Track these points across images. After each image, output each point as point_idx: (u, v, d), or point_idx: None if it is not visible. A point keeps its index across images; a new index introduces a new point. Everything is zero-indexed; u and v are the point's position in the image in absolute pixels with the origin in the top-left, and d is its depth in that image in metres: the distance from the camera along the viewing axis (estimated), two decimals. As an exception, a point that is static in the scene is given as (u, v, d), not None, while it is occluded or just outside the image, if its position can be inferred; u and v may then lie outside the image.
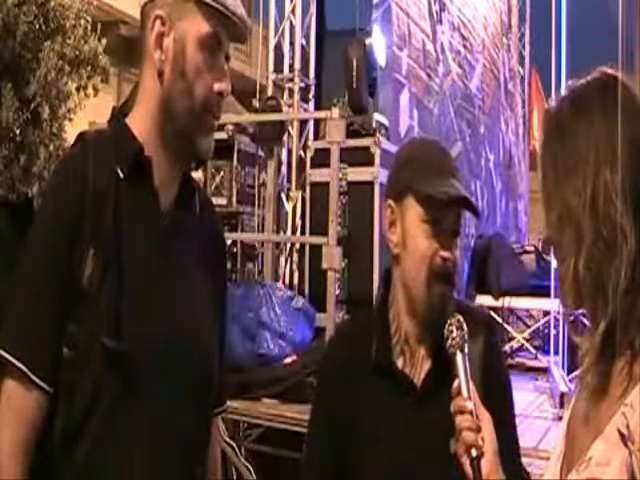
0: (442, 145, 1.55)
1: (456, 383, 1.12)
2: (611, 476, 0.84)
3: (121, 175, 1.27)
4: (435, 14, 6.52)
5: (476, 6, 7.94)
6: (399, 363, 1.44)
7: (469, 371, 1.13)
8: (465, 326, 1.19)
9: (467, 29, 7.51)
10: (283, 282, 4.79)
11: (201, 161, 1.42)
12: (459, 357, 1.15)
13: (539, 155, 1.00)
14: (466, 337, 1.18)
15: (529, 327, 6.89)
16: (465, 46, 7.44)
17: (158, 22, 1.28)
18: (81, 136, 1.35)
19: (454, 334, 1.18)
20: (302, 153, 5.15)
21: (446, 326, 1.20)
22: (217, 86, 1.29)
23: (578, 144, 0.93)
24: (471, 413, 1.07)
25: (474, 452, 1.04)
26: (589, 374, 0.92)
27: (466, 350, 1.17)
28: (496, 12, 9.10)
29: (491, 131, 8.53)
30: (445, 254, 1.40)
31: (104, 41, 5.13)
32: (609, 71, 0.97)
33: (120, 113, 1.35)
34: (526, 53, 11.03)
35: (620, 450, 0.84)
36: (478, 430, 1.05)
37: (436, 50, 6.47)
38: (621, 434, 0.84)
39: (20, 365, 1.19)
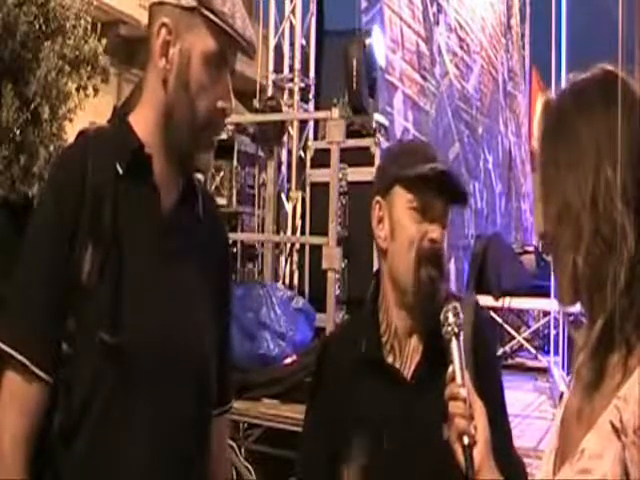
0: (425, 143, 1.60)
1: (450, 369, 1.11)
2: (604, 469, 0.84)
3: (120, 171, 1.27)
4: (432, 16, 6.51)
5: (473, 7, 7.93)
6: (389, 359, 1.45)
7: (464, 358, 1.13)
8: (461, 313, 1.19)
9: (464, 30, 7.50)
10: (283, 282, 4.79)
11: (199, 172, 1.42)
12: (454, 344, 1.15)
13: (537, 148, 1.00)
14: (461, 324, 1.18)
15: (529, 327, 6.89)
16: (462, 47, 7.43)
17: (164, 30, 1.26)
18: (81, 133, 1.35)
19: (450, 320, 1.17)
20: (302, 153, 5.15)
21: (442, 312, 1.19)
22: (220, 104, 1.29)
23: (579, 140, 0.92)
24: (464, 400, 1.06)
25: (466, 439, 1.04)
26: (584, 369, 0.92)
27: (461, 337, 1.16)
28: (494, 13, 9.09)
29: (490, 132, 8.52)
30: (433, 235, 1.41)
31: (104, 41, 5.12)
32: (610, 68, 0.97)
33: (122, 112, 1.34)
34: (526, 53, 11.03)
35: (613, 443, 0.84)
36: (471, 418, 1.05)
37: (432, 52, 6.46)
38: (614, 427, 0.85)
39: (21, 358, 1.20)
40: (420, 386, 1.41)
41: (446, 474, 1.10)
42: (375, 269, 1.57)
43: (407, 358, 1.45)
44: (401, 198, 1.44)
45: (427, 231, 1.42)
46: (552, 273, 0.98)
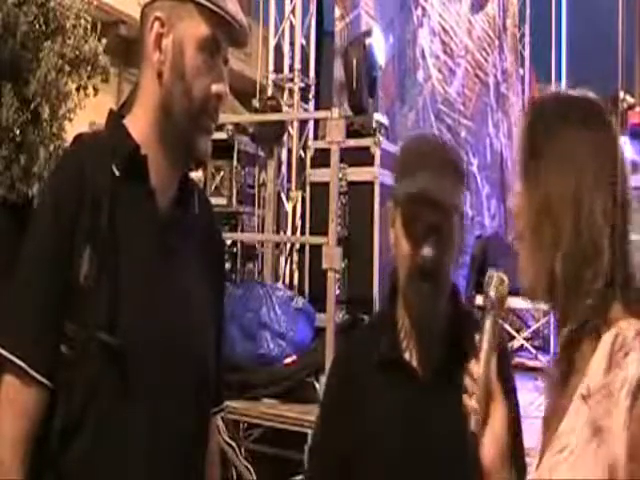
0: (431, 136, 1.57)
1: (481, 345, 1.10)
2: (576, 438, 0.87)
3: (117, 173, 1.27)
4: (416, 19, 6.50)
5: (458, 11, 7.89)
6: (406, 356, 1.47)
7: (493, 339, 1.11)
8: (505, 287, 1.17)
9: (448, 34, 7.45)
10: (283, 282, 4.79)
11: (199, 162, 1.42)
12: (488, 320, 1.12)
13: (519, 149, 1.01)
14: (497, 303, 1.16)
15: (529, 327, 6.89)
16: (445, 51, 7.38)
17: (157, 23, 1.29)
18: (78, 137, 1.36)
19: (491, 293, 1.16)
20: (302, 153, 5.15)
21: (486, 279, 1.18)
22: (215, 88, 1.30)
23: (563, 151, 0.95)
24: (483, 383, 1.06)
25: (475, 417, 1.03)
26: (553, 369, 0.96)
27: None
28: (487, 14, 9.03)
29: (475, 135, 8.44)
30: (423, 253, 1.39)
31: (104, 41, 5.12)
32: (596, 98, 1.00)
33: (118, 115, 1.36)
34: (526, 53, 11.00)
35: (582, 411, 0.87)
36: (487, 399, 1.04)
37: (416, 55, 6.44)
38: (583, 396, 0.87)
39: (19, 362, 1.20)
40: (433, 382, 1.42)
41: (458, 468, 1.10)
42: (392, 268, 1.57)
43: (422, 357, 1.46)
44: (398, 211, 1.46)
45: (417, 249, 1.40)
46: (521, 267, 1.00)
